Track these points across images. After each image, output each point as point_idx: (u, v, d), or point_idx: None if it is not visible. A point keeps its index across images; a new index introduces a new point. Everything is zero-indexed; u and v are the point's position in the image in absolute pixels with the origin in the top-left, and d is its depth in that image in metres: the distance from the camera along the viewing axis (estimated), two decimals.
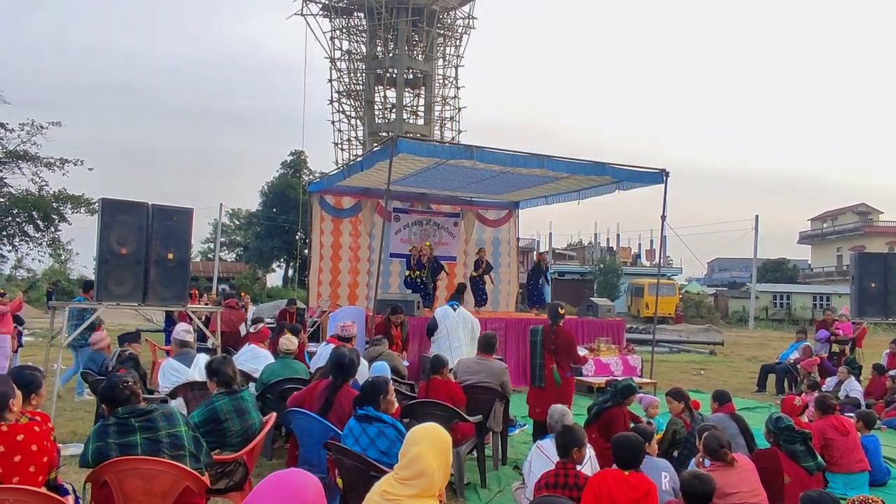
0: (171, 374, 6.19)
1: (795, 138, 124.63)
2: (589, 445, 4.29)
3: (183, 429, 3.59)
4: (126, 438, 3.46)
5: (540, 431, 6.41)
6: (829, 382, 10.32)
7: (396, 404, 4.50)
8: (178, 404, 5.63)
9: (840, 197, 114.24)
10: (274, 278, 45.91)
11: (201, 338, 9.68)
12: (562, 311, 7.16)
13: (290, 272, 41.22)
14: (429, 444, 2.50)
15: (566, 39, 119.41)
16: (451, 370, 6.28)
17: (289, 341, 6.55)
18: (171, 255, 7.59)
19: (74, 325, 8.90)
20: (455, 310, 8.85)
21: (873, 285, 11.78)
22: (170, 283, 7.63)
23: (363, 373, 5.74)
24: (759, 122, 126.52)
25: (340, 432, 4.15)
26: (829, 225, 56.15)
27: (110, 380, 3.72)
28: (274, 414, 4.70)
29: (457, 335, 8.55)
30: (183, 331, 6.57)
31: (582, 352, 8.90)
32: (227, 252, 51.89)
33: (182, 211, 7.84)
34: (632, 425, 5.43)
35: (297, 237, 34.93)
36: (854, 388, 9.84)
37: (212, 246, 48.87)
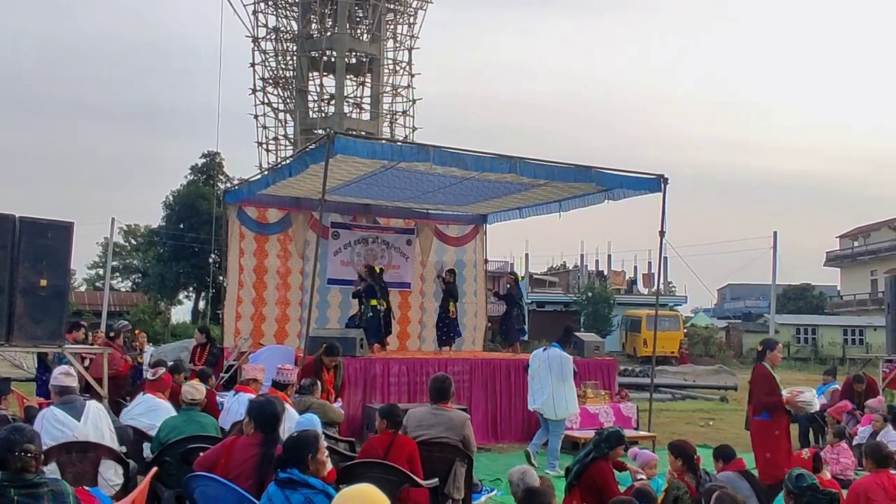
0: (53, 427, 5.95)
1: (821, 140, 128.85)
2: None
3: None
4: None
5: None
6: (863, 433, 10.56)
7: (330, 466, 4.45)
8: (50, 471, 5.47)
9: (873, 210, 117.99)
10: (181, 312, 45.27)
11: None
12: (760, 349, 8.12)
13: (202, 304, 40.66)
14: None
15: (546, 15, 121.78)
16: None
17: (194, 389, 6.46)
18: (44, 282, 7.46)
19: None
20: (545, 350, 10.28)
21: None
22: (42, 318, 7.48)
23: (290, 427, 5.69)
24: (778, 119, 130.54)
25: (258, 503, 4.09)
26: (861, 243, 57.78)
27: (9, 435, 3.61)
28: (155, 469, 4.59)
29: (539, 377, 9.99)
30: (61, 374, 6.30)
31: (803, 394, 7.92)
32: (120, 279, 51.00)
33: (59, 226, 7.71)
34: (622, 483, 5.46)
35: (211, 260, 34.49)
36: (892, 438, 10.05)
37: (101, 272, 48.02)
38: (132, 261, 51.64)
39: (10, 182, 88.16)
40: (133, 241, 51.04)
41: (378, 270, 13.87)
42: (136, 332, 13.04)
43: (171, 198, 39.88)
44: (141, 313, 35.12)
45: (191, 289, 42.05)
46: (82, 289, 50.22)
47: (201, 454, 5.09)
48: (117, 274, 49.85)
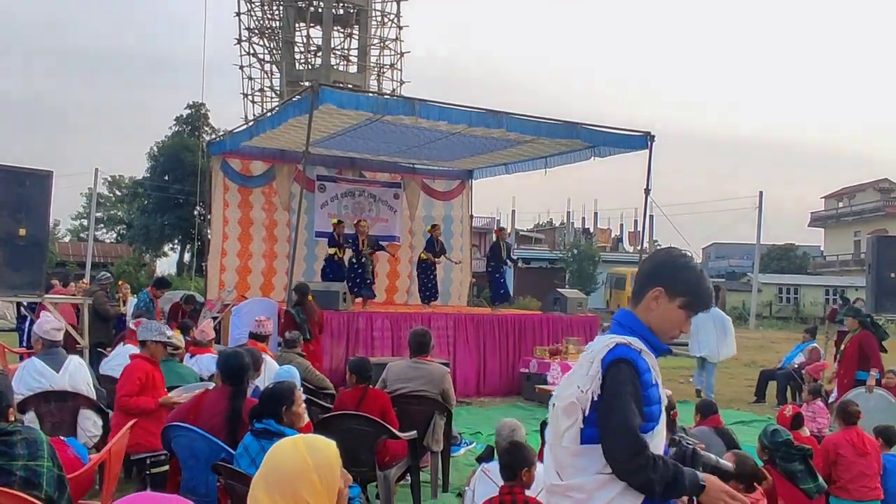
0: (32, 378, 5.92)
1: (807, 100, 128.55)
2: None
3: (46, 464, 3.49)
4: None
5: None
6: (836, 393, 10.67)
7: (307, 418, 4.45)
8: (28, 420, 5.46)
9: (859, 171, 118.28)
10: (166, 264, 45.07)
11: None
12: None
13: (187, 256, 40.50)
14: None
15: None
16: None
17: (175, 338, 6.44)
18: (22, 231, 7.36)
19: None
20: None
21: (893, 276, 12.21)
22: (21, 267, 7.41)
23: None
24: (765, 78, 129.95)
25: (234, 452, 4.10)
26: (846, 204, 57.97)
27: None
28: (134, 420, 4.59)
29: (704, 330, 12.28)
30: (51, 328, 6.18)
31: None
32: (104, 231, 50.72)
33: (37, 174, 7.59)
34: None
35: (196, 212, 34.24)
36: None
37: (85, 223, 47.64)
38: (116, 212, 51.29)
39: None
40: (117, 193, 50.63)
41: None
42: (120, 283, 12.97)
43: (155, 149, 39.44)
44: (125, 265, 34.96)
45: (176, 241, 41.82)
46: (66, 239, 49.93)
47: (177, 408, 5.09)
48: (102, 225, 49.56)
